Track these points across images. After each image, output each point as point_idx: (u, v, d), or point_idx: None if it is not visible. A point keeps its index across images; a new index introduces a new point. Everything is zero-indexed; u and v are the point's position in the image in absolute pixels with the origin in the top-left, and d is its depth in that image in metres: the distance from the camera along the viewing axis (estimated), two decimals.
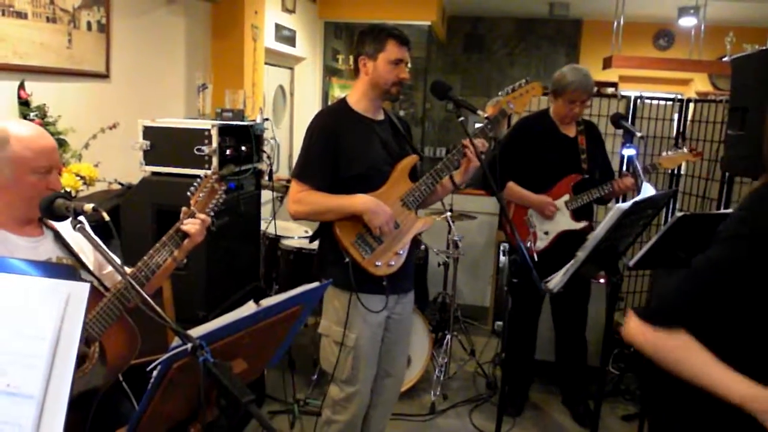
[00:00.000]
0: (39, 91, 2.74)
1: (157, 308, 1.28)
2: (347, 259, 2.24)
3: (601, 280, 3.54)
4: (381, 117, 2.41)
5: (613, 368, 3.79)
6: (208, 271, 2.67)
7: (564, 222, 3.14)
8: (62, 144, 2.77)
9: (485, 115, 2.43)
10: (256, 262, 3.27)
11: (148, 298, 1.30)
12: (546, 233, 3.15)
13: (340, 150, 2.26)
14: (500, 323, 4.35)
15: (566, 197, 3.15)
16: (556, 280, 2.00)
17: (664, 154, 3.21)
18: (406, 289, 2.48)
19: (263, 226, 3.46)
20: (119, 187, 2.89)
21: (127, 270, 1.86)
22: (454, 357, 3.93)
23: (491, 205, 4.65)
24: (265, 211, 3.47)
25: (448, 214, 3.82)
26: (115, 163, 2.94)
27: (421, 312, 3.53)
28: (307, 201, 2.26)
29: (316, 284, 1.70)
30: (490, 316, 4.63)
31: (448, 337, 3.79)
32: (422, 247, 3.87)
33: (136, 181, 2.80)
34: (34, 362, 1.14)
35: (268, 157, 3.02)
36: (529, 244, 2.95)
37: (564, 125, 3.21)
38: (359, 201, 2.22)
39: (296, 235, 3.73)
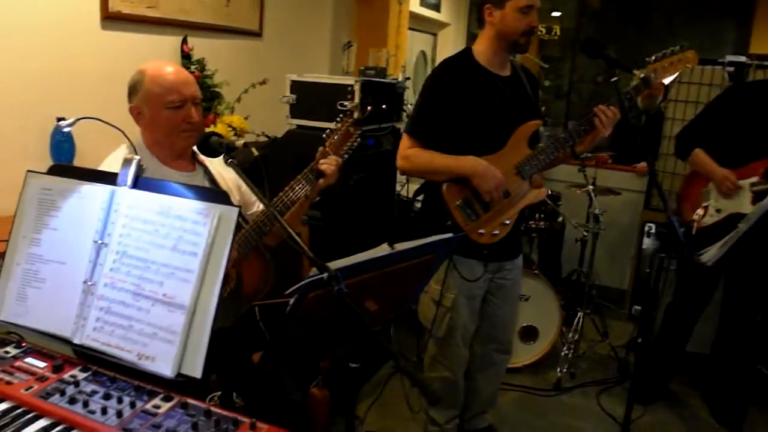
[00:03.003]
0: (199, 46, 2.94)
1: (296, 236, 1.32)
2: (449, 222, 2.14)
3: None
4: (507, 72, 2.25)
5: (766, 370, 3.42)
6: (343, 223, 2.74)
7: (741, 204, 2.80)
8: (217, 96, 2.96)
9: (641, 75, 2.24)
10: (389, 222, 3.30)
11: (288, 227, 1.35)
12: (718, 211, 2.86)
13: (457, 107, 2.14)
14: (638, 308, 4.08)
15: (754, 179, 2.82)
16: (711, 253, 1.82)
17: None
18: (511, 256, 2.38)
19: (398, 188, 3.49)
20: (266, 139, 3.03)
21: (261, 205, 1.96)
22: (585, 337, 3.75)
23: (638, 182, 4.35)
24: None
25: (591, 187, 3.62)
26: (263, 116, 3.10)
27: (553, 287, 3.40)
28: (416, 159, 2.18)
29: (449, 235, 1.68)
30: (627, 300, 4.36)
31: (580, 314, 3.63)
32: (559, 219, 3.72)
33: (281, 134, 2.93)
34: (187, 276, 1.23)
35: (408, 116, 3.02)
36: (695, 217, 2.71)
37: None
38: (468, 163, 2.11)
39: None
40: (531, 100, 2.30)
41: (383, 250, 1.48)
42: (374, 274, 1.44)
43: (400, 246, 1.52)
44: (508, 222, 2.19)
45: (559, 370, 3.36)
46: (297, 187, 1.86)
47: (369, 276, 1.43)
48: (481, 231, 2.16)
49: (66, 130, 2.02)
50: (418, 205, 3.62)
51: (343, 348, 1.38)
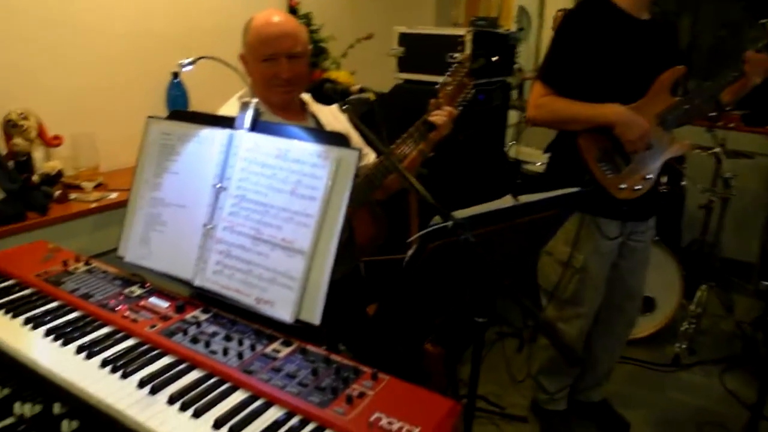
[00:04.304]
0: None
1: (416, 182, 1.24)
2: (587, 177, 2.01)
3: None
4: (646, 16, 2.05)
5: None
6: (451, 181, 2.65)
7: None
8: (323, 52, 2.93)
9: None
10: (496, 181, 3.17)
11: (408, 174, 1.28)
12: None
13: (594, 51, 1.98)
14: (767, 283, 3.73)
15: None
16: None
17: None
18: (647, 216, 2.20)
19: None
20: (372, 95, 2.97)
21: (372, 159, 1.90)
22: (707, 312, 3.47)
23: None
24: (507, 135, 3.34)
25: (719, 149, 3.29)
26: (369, 72, 3.03)
27: (675, 256, 3.15)
28: (551, 106, 2.03)
29: (576, 189, 1.55)
30: (755, 274, 4.00)
31: (704, 287, 3.35)
32: (683, 183, 3.42)
33: (387, 90, 2.86)
34: (306, 221, 1.18)
35: (520, 70, 2.85)
36: None
37: None
38: (612, 111, 1.95)
39: (539, 161, 3.54)
40: (673, 45, 2.10)
41: (507, 201, 1.38)
42: (497, 227, 1.35)
43: (525, 198, 1.41)
44: (650, 176, 2.03)
45: (677, 345, 3.13)
46: (409, 141, 1.79)
47: (492, 229, 1.34)
48: (622, 186, 2.01)
49: (186, 69, 2.05)
50: (528, 166, 3.46)
51: (459, 305, 1.30)
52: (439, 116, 1.78)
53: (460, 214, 1.25)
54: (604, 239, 2.10)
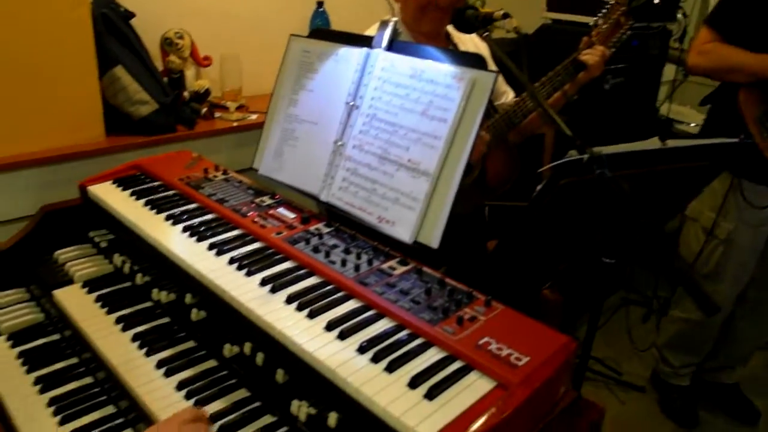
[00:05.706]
0: None
1: (557, 117, 1.17)
2: (742, 135, 1.79)
3: None
4: None
5: None
6: (593, 131, 2.48)
7: None
8: None
9: None
10: (643, 139, 2.94)
11: (547, 107, 1.20)
12: None
13: None
14: None
15: None
16: None
17: None
18: None
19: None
20: (515, 35, 2.83)
21: (510, 98, 1.82)
22: None
23: None
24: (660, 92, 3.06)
25: None
26: (516, 10, 2.86)
27: None
28: (714, 53, 1.84)
29: (735, 140, 1.39)
30: None
31: None
32: None
33: (531, 31, 2.71)
34: (434, 143, 1.16)
35: (684, 15, 2.58)
36: None
37: None
38: None
39: (694, 122, 3.22)
40: None
41: (654, 143, 1.26)
42: (640, 171, 1.24)
43: (673, 143, 1.29)
44: None
45: None
46: (555, 80, 1.69)
47: (633, 172, 1.23)
48: None
49: None
50: (682, 127, 3.17)
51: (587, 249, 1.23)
52: (590, 55, 1.67)
53: (600, 150, 1.16)
54: (750, 207, 1.89)
